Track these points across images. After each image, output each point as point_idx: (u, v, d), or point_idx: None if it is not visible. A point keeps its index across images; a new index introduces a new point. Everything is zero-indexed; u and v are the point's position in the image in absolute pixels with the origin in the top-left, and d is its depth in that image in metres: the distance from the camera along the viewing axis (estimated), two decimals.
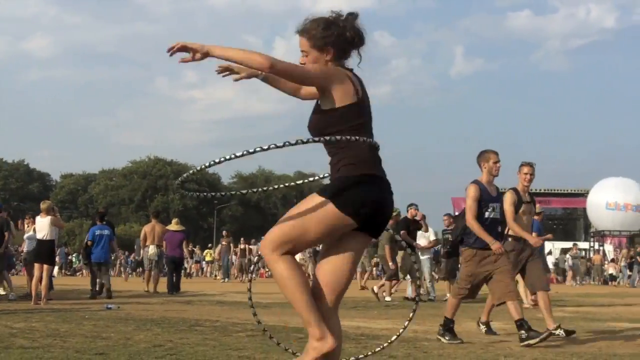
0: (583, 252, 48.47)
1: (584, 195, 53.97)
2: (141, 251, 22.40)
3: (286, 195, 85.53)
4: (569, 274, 40.54)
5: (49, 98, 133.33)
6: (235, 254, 36.31)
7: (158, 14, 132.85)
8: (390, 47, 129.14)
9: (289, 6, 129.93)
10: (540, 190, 53.60)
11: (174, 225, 21.73)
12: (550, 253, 47.25)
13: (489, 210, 9.01)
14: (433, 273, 20.63)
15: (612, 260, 44.18)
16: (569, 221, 64.98)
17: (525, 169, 9.83)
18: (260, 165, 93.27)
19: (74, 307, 13.67)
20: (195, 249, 43.29)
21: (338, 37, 4.29)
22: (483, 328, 9.83)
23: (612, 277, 42.43)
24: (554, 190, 57.18)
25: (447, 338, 8.69)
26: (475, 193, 9.02)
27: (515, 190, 9.73)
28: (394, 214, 17.06)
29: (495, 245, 8.77)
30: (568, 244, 50.06)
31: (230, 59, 4.13)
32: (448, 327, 8.85)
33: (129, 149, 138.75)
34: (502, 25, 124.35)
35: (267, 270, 47.76)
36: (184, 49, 4.00)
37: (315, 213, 4.04)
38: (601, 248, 47.93)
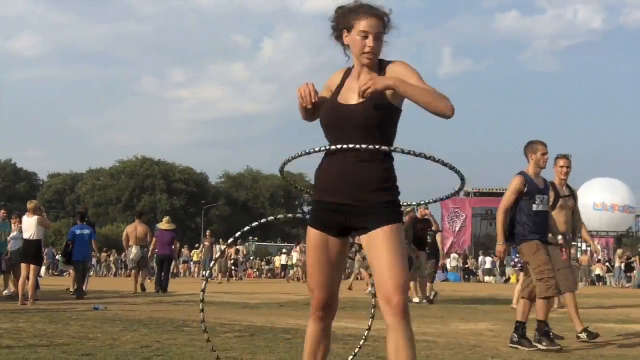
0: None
1: None
2: (126, 252, 22.36)
3: (274, 195, 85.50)
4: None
5: (36, 97, 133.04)
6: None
7: (146, 14, 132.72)
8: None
9: (277, 6, 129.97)
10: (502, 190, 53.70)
11: (164, 224, 21.74)
12: None
13: (537, 202, 8.54)
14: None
15: (599, 261, 44.33)
16: None
17: (562, 162, 9.53)
18: (248, 165, 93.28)
19: (61, 307, 13.61)
20: (183, 249, 43.27)
21: None
22: (584, 335, 9.12)
23: (599, 278, 42.59)
24: None
25: (544, 344, 8.17)
26: (518, 185, 8.57)
27: (552, 184, 9.38)
28: (408, 210, 17.06)
29: (499, 247, 8.55)
30: None
31: (414, 98, 3.93)
32: (544, 331, 8.33)
33: (116, 149, 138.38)
34: (490, 26, 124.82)
35: (254, 270, 47.88)
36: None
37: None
38: (589, 249, 48.02)
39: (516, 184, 8.57)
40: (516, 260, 16.73)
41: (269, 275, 48.29)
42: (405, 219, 16.91)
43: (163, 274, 20.97)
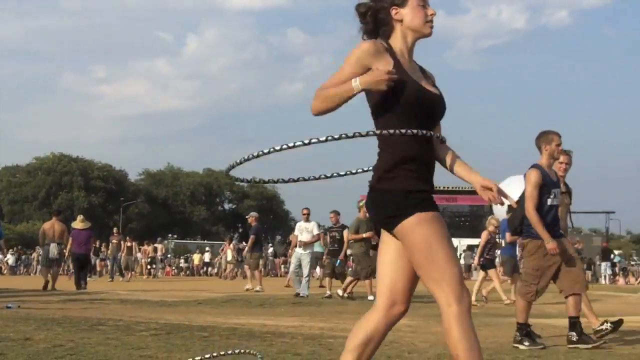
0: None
1: None
2: (41, 249, 21.97)
3: (194, 192, 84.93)
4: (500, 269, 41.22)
5: None
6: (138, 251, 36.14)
7: (67, 9, 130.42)
8: (303, 44, 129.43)
9: (201, 2, 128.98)
10: (447, 187, 54.33)
11: (79, 223, 21.46)
12: (456, 250, 48.04)
13: (551, 197, 8.29)
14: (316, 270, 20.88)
15: (521, 258, 45.01)
16: (475, 218, 65.84)
17: (561, 158, 9.12)
18: (169, 162, 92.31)
19: None
20: (102, 247, 42.68)
21: None
22: (607, 326, 8.84)
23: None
24: (461, 187, 57.86)
25: (526, 344, 8.01)
26: (537, 178, 8.28)
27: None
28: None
29: (550, 244, 8.04)
30: (474, 241, 50.86)
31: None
32: (525, 331, 8.17)
33: (36, 146, 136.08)
34: None
35: (173, 268, 47.48)
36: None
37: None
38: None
39: (535, 177, 8.31)
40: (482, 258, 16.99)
41: (188, 272, 47.98)
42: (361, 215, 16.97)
43: (80, 272, 20.81)
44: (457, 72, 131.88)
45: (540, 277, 8.22)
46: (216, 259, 44.62)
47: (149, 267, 39.58)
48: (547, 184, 8.31)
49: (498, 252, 18.26)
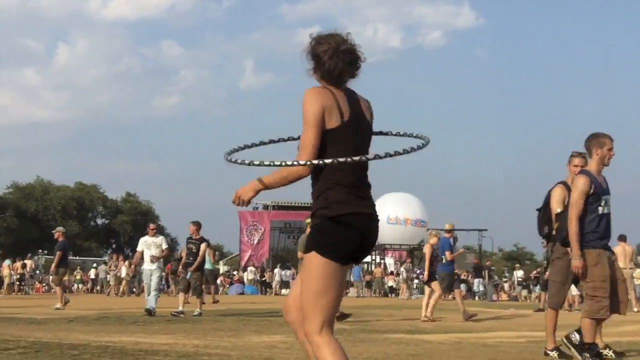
0: (365, 265, 49.87)
1: None
2: None
3: (66, 207, 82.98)
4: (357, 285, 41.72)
5: None
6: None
7: None
8: (179, 57, 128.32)
9: (73, 11, 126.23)
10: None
11: None
12: None
13: (602, 204, 7.71)
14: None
15: (392, 273, 45.74)
16: None
17: (576, 161, 8.60)
18: (38, 175, 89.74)
19: None
20: None
21: (313, 60, 4.47)
22: (609, 353, 8.53)
23: (392, 290, 43.88)
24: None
25: None
26: (586, 186, 7.66)
27: (564, 184, 8.71)
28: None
29: (575, 262, 7.62)
30: None
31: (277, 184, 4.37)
32: (595, 352, 7.66)
33: None
34: (292, 40, 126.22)
35: (43, 285, 46.18)
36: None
37: (308, 272, 4.23)
38: (382, 261, 49.39)
39: (582, 185, 7.69)
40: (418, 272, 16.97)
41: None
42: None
43: None
44: None
45: (608, 287, 7.60)
46: (106, 275, 42.78)
47: (17, 283, 38.45)
48: (598, 192, 7.72)
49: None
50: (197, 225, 17.72)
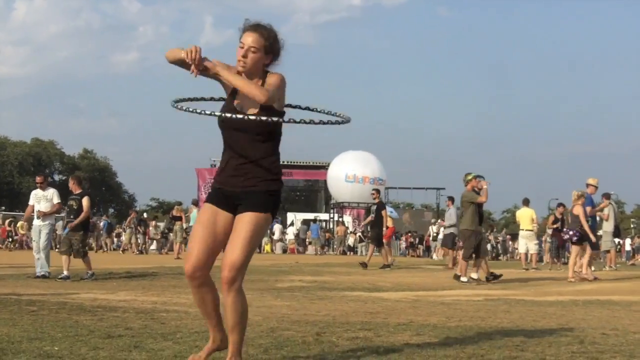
0: (324, 223, 50.05)
1: (324, 167, 55.59)
2: None
3: (23, 163, 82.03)
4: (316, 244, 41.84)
5: None
6: None
7: None
8: (138, 13, 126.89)
9: None
10: (282, 162, 54.54)
11: None
12: (292, 224, 48.47)
13: None
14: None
15: (353, 232, 46.00)
16: (311, 193, 66.67)
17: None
18: None
19: None
20: None
21: (279, 50, 4.92)
22: None
23: (350, 248, 44.16)
24: (296, 162, 58.39)
25: None
26: None
27: None
28: (469, 178, 16.17)
29: None
30: (309, 215, 51.52)
31: (233, 84, 4.71)
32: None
33: None
34: None
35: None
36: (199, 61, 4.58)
37: (261, 231, 4.81)
38: (340, 219, 49.54)
39: None
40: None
41: (17, 246, 46.46)
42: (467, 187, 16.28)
43: None
44: (293, 46, 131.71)
45: None
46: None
47: None
48: None
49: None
50: (76, 179, 16.22)
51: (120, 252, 36.79)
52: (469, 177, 16.12)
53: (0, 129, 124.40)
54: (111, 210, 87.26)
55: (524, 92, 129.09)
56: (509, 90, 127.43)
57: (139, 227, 35.63)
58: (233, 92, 4.85)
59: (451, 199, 23.57)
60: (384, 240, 22.14)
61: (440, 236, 30.85)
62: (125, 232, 37.89)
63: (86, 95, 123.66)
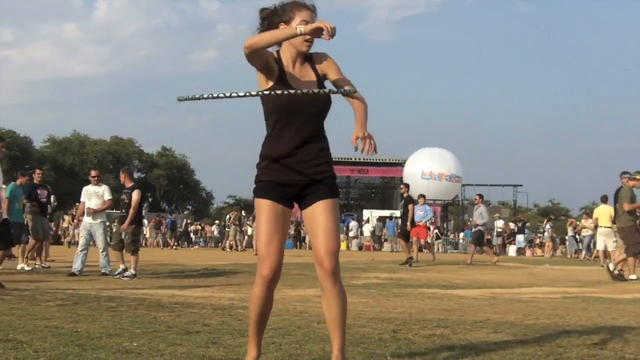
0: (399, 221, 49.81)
1: (401, 164, 55.30)
2: None
3: (102, 161, 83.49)
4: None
5: None
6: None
7: None
8: (217, 11, 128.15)
9: None
10: (358, 159, 54.53)
11: None
12: (368, 221, 48.41)
13: None
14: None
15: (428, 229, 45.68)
16: (387, 190, 66.40)
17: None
18: (75, 130, 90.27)
19: None
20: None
21: None
22: None
23: (426, 245, 43.85)
24: (372, 159, 58.24)
25: None
26: None
27: None
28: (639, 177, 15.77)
29: None
30: (385, 212, 51.34)
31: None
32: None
33: None
34: None
35: None
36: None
37: (339, 216, 4.71)
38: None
39: None
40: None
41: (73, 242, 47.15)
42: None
43: None
44: (372, 43, 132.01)
45: None
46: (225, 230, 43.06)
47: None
48: None
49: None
50: (127, 172, 15.56)
51: (227, 249, 36.70)
52: (639, 177, 15.72)
53: (81, 127, 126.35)
54: (189, 208, 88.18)
55: (604, 86, 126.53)
56: (588, 84, 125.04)
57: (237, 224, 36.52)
58: (281, 77, 4.54)
59: (480, 196, 23.49)
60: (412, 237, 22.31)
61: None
62: (229, 229, 38.28)
63: (165, 93, 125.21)
